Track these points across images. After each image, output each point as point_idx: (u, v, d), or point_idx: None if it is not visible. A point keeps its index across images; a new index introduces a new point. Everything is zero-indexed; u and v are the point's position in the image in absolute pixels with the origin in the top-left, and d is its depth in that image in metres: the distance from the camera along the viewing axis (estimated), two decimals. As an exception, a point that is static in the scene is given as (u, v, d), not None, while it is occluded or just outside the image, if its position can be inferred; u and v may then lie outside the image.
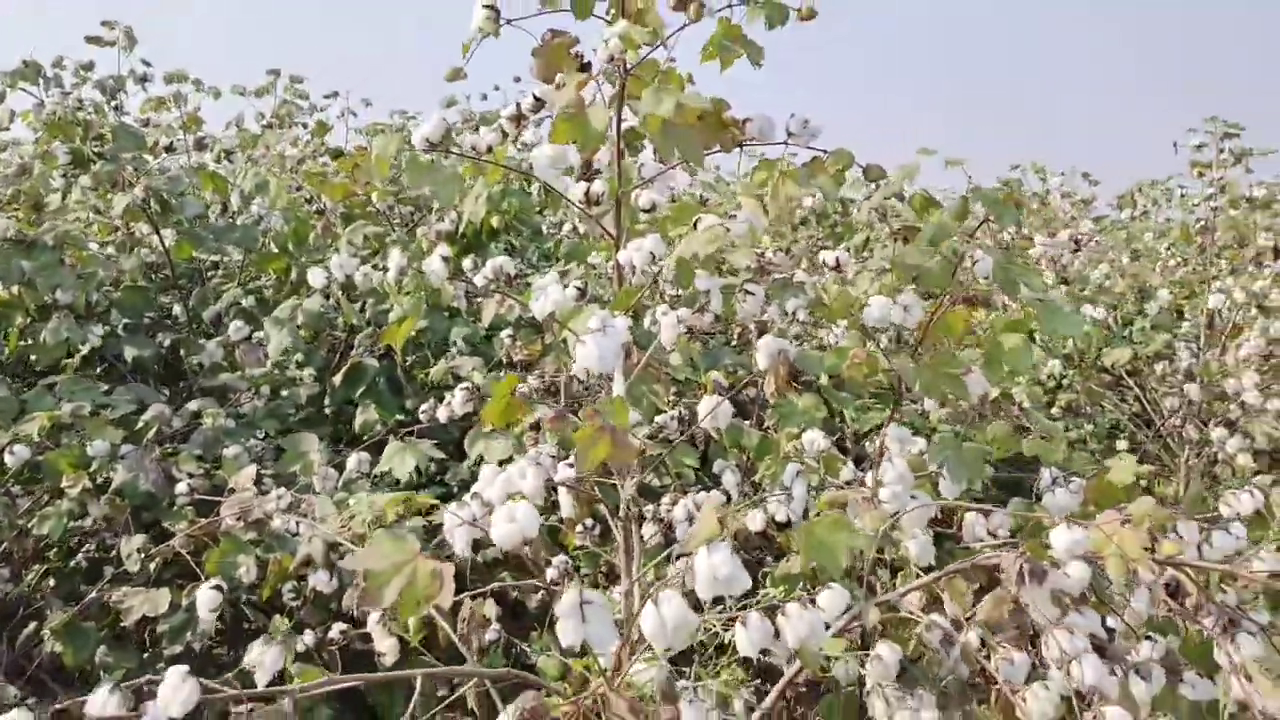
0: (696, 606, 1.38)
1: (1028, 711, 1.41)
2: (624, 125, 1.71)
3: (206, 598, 1.43)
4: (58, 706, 1.21)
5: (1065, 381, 4.52)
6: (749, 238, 1.58)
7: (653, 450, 2.34)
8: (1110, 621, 1.71)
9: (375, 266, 2.30)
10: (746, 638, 1.21)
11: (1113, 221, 5.65)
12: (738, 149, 1.66)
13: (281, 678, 1.36)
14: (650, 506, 2.30)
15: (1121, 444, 4.55)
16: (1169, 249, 5.03)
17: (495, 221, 2.81)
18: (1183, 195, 4.99)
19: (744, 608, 1.35)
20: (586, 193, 1.74)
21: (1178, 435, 4.25)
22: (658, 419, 2.24)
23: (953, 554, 2.31)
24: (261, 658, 1.24)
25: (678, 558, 1.18)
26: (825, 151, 1.66)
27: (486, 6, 1.62)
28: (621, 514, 1.75)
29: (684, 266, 1.60)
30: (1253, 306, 3.85)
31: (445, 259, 1.82)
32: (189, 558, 1.91)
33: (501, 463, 1.57)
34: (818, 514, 1.71)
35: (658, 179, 1.86)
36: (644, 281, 1.73)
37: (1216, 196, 4.34)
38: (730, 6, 1.67)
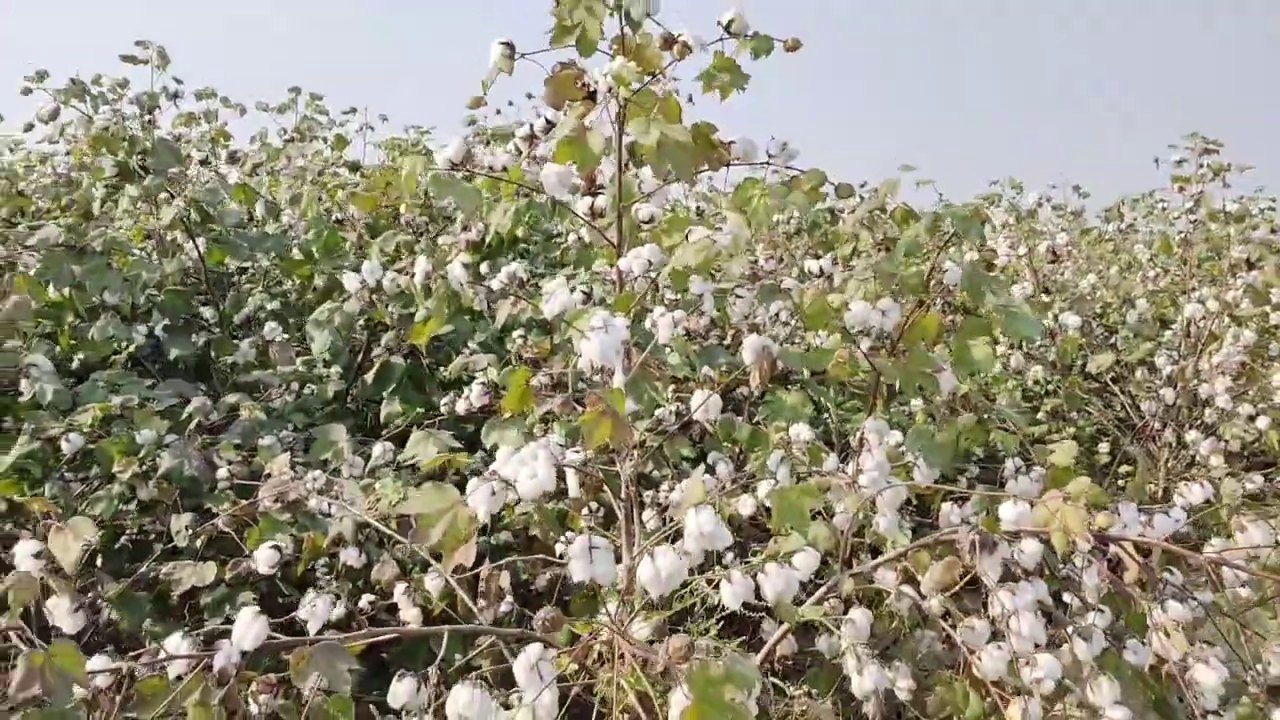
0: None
1: (984, 670, 1.61)
2: (627, 144, 1.92)
3: (265, 555, 1.63)
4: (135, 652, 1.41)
5: (1050, 387, 4.72)
6: (735, 246, 1.77)
7: (652, 441, 2.54)
8: (1067, 598, 1.92)
9: (401, 272, 2.51)
10: (730, 591, 1.41)
11: (1100, 234, 5.85)
12: (725, 168, 1.87)
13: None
14: (650, 493, 2.50)
15: (1104, 447, 4.75)
16: (1150, 260, 5.22)
17: (519, 232, 3.01)
18: (1163, 208, 5.19)
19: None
20: (591, 206, 1.95)
21: (1156, 438, 4.44)
22: (657, 413, 2.45)
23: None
24: (313, 608, 1.45)
25: (669, 521, 1.38)
26: (801, 170, 1.86)
27: (503, 44, 1.83)
28: (623, 494, 1.95)
29: (678, 274, 1.81)
30: (1226, 316, 4.04)
31: (466, 265, 2.03)
32: (233, 535, 2.10)
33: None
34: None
35: (654, 194, 2.07)
36: (643, 286, 1.93)
37: (1195, 210, 4.54)
38: (720, 40, 1.87)
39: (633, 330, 2.10)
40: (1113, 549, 1.77)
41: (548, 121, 1.96)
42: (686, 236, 1.84)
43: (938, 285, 1.94)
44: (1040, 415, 4.99)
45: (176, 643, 1.36)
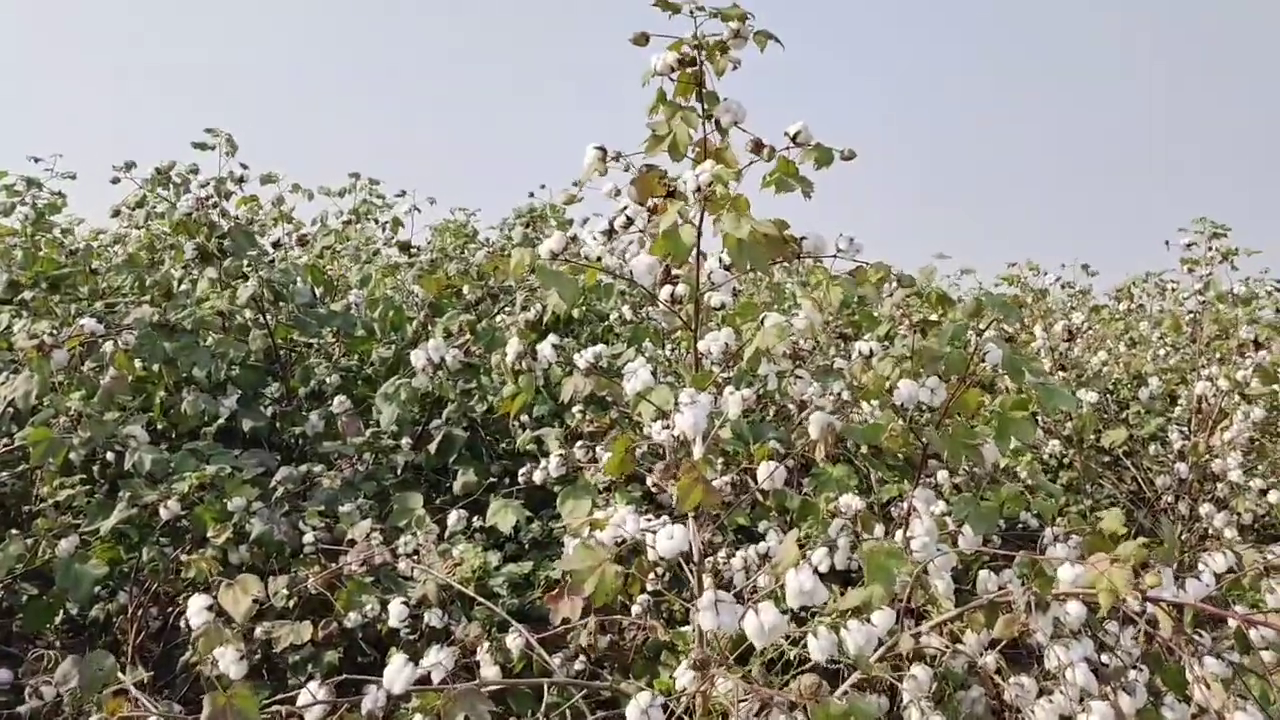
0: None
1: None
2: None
3: (397, 610, 1.78)
4: (277, 696, 1.58)
5: (1065, 460, 4.89)
6: (810, 331, 1.97)
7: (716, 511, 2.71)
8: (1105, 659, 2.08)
9: (463, 350, 2.70)
10: (818, 645, 1.58)
11: (1110, 312, 6.06)
12: (796, 260, 2.07)
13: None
14: (710, 559, 2.67)
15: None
16: (1160, 338, 5.43)
17: (575, 313, 3.21)
18: (1173, 289, 5.41)
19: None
20: (672, 294, 2.14)
21: (1170, 511, 4.61)
22: (716, 482, 2.63)
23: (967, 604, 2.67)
24: (399, 671, 1.61)
25: (765, 578, 1.54)
26: (867, 264, 2.06)
27: (598, 148, 2.04)
28: (695, 557, 2.11)
29: (754, 356, 2.00)
30: (1236, 394, 4.23)
31: (556, 347, 2.22)
32: (327, 594, 2.26)
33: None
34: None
35: (723, 284, 2.27)
36: (719, 366, 2.12)
37: (1204, 292, 4.76)
38: (788, 149, 2.09)
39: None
40: (1149, 610, 1.94)
41: (628, 218, 2.16)
42: (762, 322, 2.03)
43: (979, 364, 2.13)
44: (1056, 487, 5.15)
45: (311, 692, 1.53)
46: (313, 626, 2.39)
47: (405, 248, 4.10)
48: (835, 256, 2.07)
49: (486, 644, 2.21)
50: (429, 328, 3.27)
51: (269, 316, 3.31)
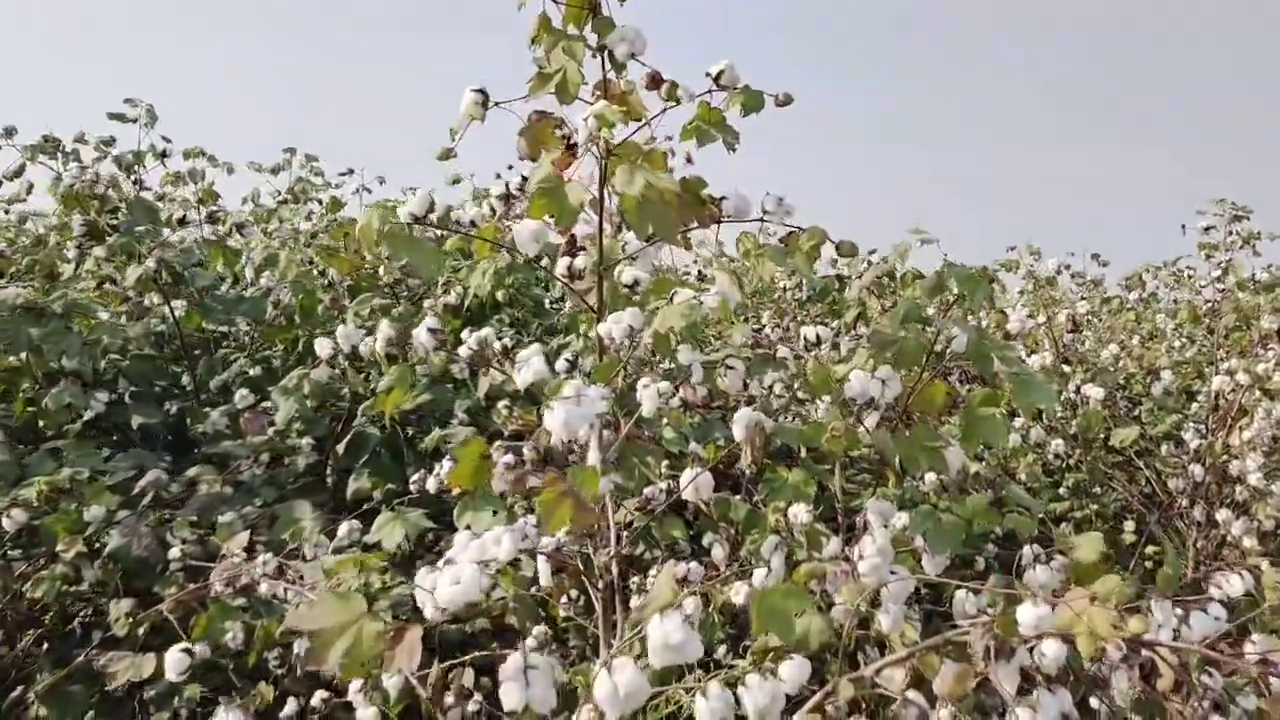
0: (663, 677, 1.39)
1: None
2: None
3: (174, 660, 1.45)
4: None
5: (1072, 460, 4.51)
6: (724, 310, 1.61)
7: (641, 520, 2.36)
8: (1094, 702, 1.71)
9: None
10: (707, 708, 1.22)
11: (1121, 302, 5.67)
12: (716, 225, 1.71)
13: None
14: (637, 579, 2.32)
15: (1129, 525, 4.52)
16: (1175, 329, 5.04)
17: (500, 295, 2.87)
18: (1190, 276, 5.01)
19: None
20: (569, 267, 1.79)
21: (1184, 516, 4.22)
22: (646, 490, 2.27)
23: (938, 628, 2.30)
24: None
25: (633, 626, 1.19)
26: (800, 228, 1.70)
27: (475, 91, 1.69)
28: (601, 585, 1.76)
29: (661, 339, 1.64)
30: (1257, 389, 3.84)
31: (433, 330, 1.87)
32: (175, 623, 1.92)
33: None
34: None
35: (641, 255, 1.91)
36: (625, 354, 1.76)
37: (1223, 279, 4.37)
38: (710, 93, 1.73)
39: (624, 402, 1.93)
40: (1144, 653, 1.57)
41: (524, 179, 1.82)
42: (671, 299, 1.67)
43: (941, 352, 1.77)
44: (1062, 491, 4.76)
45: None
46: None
47: (345, 232, 3.75)
48: (762, 220, 1.72)
49: (359, 682, 1.87)
50: (339, 314, 2.93)
51: (172, 303, 2.97)
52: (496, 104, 1.70)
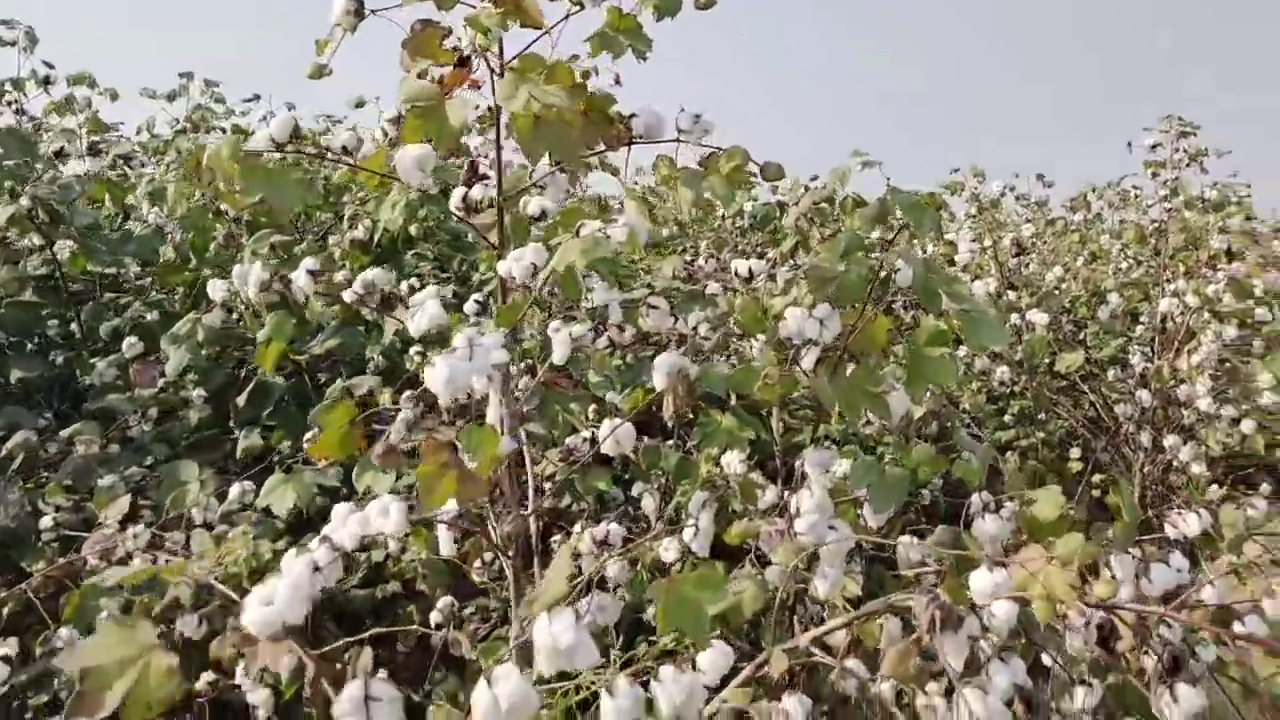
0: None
1: None
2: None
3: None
4: None
5: (1017, 388, 4.40)
6: (632, 242, 1.41)
7: (563, 473, 2.18)
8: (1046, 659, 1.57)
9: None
10: (614, 707, 1.06)
11: (1066, 224, 5.54)
12: (627, 147, 1.51)
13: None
14: (559, 538, 2.15)
15: (1075, 451, 4.44)
16: (1121, 251, 4.93)
17: (414, 230, 2.65)
18: (1136, 196, 4.88)
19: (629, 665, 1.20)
20: (465, 199, 1.58)
21: (1131, 442, 4.14)
22: (569, 440, 2.09)
23: (884, 584, 2.17)
24: None
25: (522, 622, 1.02)
26: (719, 149, 1.51)
27: (346, -5, 1.46)
28: (512, 552, 1.59)
29: (568, 278, 1.44)
30: (1205, 311, 3.74)
31: (313, 272, 1.66)
32: (38, 603, 1.73)
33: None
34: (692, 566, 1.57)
35: (551, 183, 1.71)
36: (533, 294, 1.57)
37: (1170, 198, 4.24)
38: (619, -8, 1.52)
39: (547, 346, 1.75)
40: (1099, 614, 1.43)
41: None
42: (577, 232, 1.47)
43: (886, 287, 1.60)
44: (1007, 418, 4.67)
45: None
46: (34, 638, 1.86)
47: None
48: (678, 141, 1.52)
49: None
50: (235, 251, 2.69)
51: (57, 243, 2.70)
52: (373, 12, 1.48)
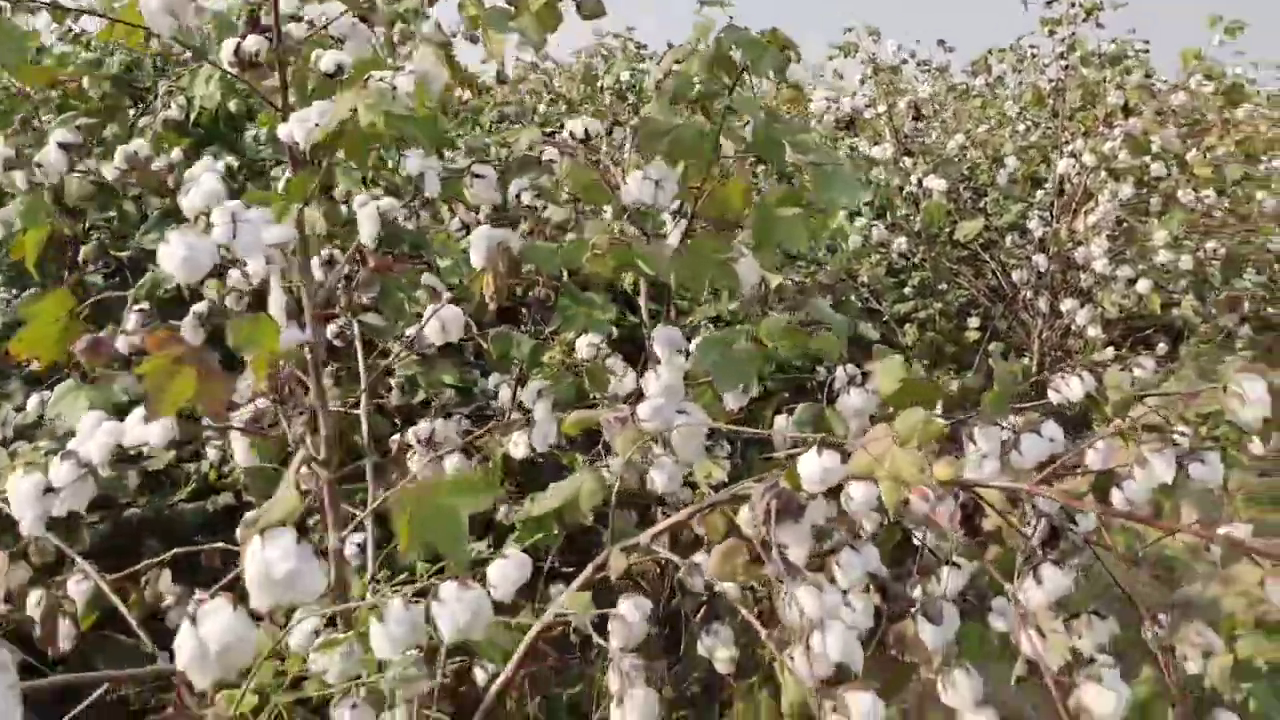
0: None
1: (799, 676, 1.11)
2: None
3: None
4: None
5: (917, 259, 4.30)
6: (421, 96, 1.21)
7: (405, 369, 2.00)
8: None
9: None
10: (385, 636, 0.90)
11: (967, 89, 5.39)
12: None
13: None
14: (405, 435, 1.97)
15: (973, 321, 4.37)
16: (1020, 113, 4.79)
17: (234, 107, 2.39)
18: (1034, 56, 4.73)
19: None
20: (237, 51, 1.35)
21: (1030, 308, 4.07)
22: (409, 330, 1.90)
23: (752, 470, 2.03)
24: None
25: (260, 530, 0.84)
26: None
27: None
28: (321, 458, 1.41)
29: (351, 140, 1.23)
30: (1102, 170, 3.63)
31: (64, 146, 1.43)
32: None
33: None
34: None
35: (352, 34, 1.48)
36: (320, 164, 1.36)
37: (1067, 54, 4.09)
38: None
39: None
40: (963, 495, 1.30)
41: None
42: (365, 85, 1.26)
43: (726, 142, 1.42)
44: (907, 290, 4.58)
45: None
46: None
47: (75, 38, 3.15)
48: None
49: (38, 593, 1.50)
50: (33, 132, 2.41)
51: None
52: None
